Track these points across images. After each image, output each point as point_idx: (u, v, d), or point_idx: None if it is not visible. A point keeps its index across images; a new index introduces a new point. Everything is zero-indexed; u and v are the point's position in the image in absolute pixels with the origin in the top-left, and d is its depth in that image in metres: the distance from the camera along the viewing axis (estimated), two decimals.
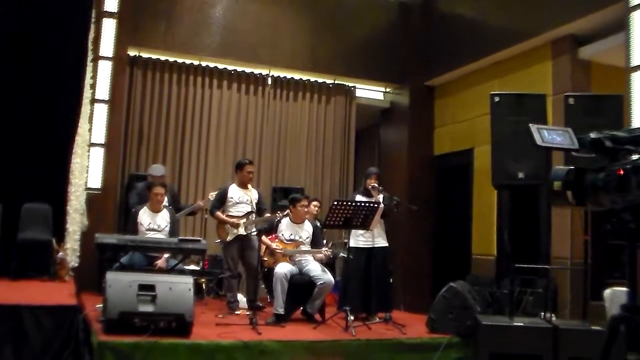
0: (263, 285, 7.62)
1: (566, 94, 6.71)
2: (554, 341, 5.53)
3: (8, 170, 8.05)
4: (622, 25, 6.76)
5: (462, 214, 9.64)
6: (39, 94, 8.28)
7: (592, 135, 2.50)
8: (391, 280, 7.70)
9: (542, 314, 6.27)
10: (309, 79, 10.74)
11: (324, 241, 7.68)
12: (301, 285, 6.90)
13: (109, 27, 8.91)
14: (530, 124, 2.53)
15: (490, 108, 6.68)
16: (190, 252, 6.43)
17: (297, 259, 7.12)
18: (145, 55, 9.77)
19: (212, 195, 8.04)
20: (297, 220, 7.31)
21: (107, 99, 8.85)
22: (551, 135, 2.50)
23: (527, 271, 6.85)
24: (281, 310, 6.67)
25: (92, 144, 8.69)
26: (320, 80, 10.79)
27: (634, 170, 2.36)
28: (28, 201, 8.06)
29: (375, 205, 6.77)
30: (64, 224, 8.19)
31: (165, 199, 7.25)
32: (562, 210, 7.11)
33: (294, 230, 7.26)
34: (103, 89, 8.83)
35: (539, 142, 2.48)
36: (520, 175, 6.35)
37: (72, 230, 8.21)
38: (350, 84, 10.98)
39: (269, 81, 10.50)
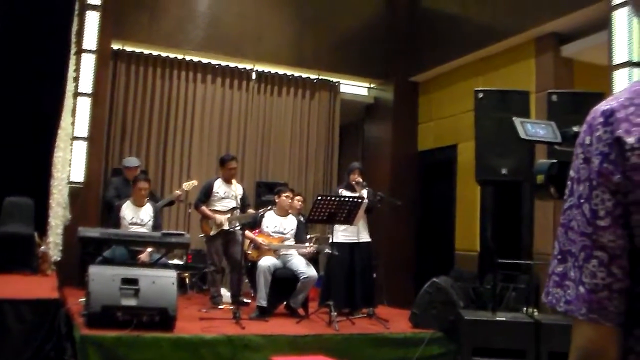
0: (247, 280, 7.61)
1: (549, 90, 6.75)
2: (536, 336, 5.57)
3: None
4: (604, 24, 6.80)
5: (445, 210, 9.67)
6: (22, 86, 8.20)
7: (575, 128, 2.52)
8: (375, 275, 7.72)
9: (525, 309, 6.32)
10: (293, 74, 10.72)
11: (308, 236, 7.68)
12: (285, 280, 6.90)
13: (92, 20, 8.80)
14: (514, 118, 2.55)
15: (474, 104, 6.70)
16: (173, 246, 6.43)
17: (281, 253, 7.12)
18: (128, 48, 9.70)
19: (186, 184, 8.05)
20: (282, 213, 7.32)
21: (90, 92, 8.76)
22: (535, 128, 2.52)
23: (510, 267, 6.89)
24: (264, 302, 6.65)
25: (74, 138, 8.61)
26: (304, 75, 10.77)
27: None
28: (10, 194, 7.98)
29: (359, 200, 6.77)
30: (46, 217, 8.10)
31: None
32: (544, 206, 7.15)
33: (278, 222, 7.26)
34: (86, 82, 8.74)
35: (522, 135, 2.50)
36: (504, 171, 6.38)
37: (54, 224, 8.14)
38: (335, 80, 10.97)
39: (253, 76, 10.46)
